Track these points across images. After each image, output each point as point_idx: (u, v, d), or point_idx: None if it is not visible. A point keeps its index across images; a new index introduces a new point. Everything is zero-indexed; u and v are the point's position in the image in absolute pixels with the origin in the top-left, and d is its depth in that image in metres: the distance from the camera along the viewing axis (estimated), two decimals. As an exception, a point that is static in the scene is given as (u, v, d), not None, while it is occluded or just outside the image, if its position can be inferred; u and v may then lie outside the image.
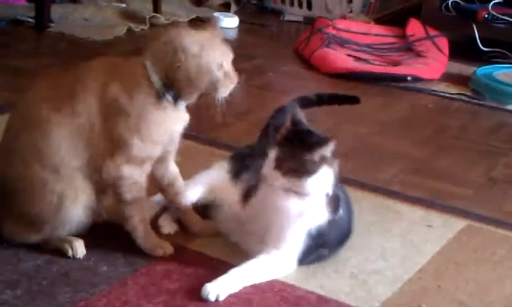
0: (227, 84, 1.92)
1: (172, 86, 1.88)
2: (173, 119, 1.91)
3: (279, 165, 1.84)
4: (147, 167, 1.91)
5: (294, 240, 1.89)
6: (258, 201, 1.94)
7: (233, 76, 1.94)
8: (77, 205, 1.87)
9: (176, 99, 1.89)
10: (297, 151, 1.83)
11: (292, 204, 1.87)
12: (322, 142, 1.83)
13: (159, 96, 1.87)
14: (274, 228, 1.89)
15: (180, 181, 2.04)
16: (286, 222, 1.88)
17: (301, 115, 1.90)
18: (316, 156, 1.82)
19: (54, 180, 1.84)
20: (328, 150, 1.83)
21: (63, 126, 1.84)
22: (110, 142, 1.85)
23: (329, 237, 1.94)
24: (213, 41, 1.92)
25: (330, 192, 1.90)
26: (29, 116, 1.88)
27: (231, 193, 2.03)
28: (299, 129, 1.88)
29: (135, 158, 1.87)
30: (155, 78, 1.87)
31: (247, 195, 1.98)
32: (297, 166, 1.83)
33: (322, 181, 1.86)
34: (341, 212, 1.94)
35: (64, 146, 1.84)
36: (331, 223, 1.91)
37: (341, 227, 1.97)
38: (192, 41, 1.87)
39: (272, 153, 1.85)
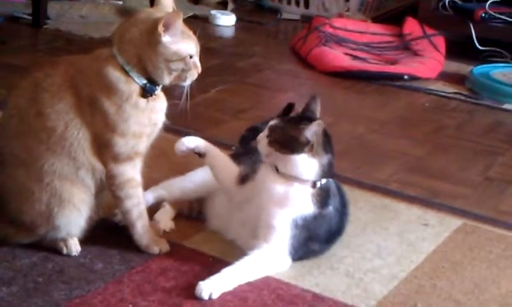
0: (194, 73, 1.90)
1: (145, 71, 1.84)
2: (152, 109, 1.88)
3: (270, 134, 1.91)
4: (138, 162, 1.89)
5: (281, 229, 1.89)
6: (252, 186, 1.96)
7: (199, 66, 1.90)
8: (66, 212, 1.86)
9: (151, 85, 1.85)
10: (286, 125, 1.90)
11: (277, 186, 1.90)
12: (307, 122, 1.88)
13: (135, 87, 1.83)
14: (262, 214, 1.90)
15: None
16: (272, 205, 1.89)
17: (315, 108, 1.97)
18: (301, 134, 1.86)
19: (39, 189, 1.84)
20: (311, 130, 1.86)
21: (40, 132, 1.82)
22: (93, 142, 1.84)
23: (317, 231, 1.94)
24: (187, 28, 1.89)
25: (317, 184, 1.91)
26: (11, 122, 1.87)
27: (227, 175, 2.03)
28: (302, 115, 1.95)
29: (121, 156, 1.86)
30: (129, 68, 1.83)
31: (243, 179, 2.00)
32: (282, 139, 1.89)
33: (304, 166, 1.88)
34: (330, 208, 1.95)
35: (44, 153, 1.83)
36: (318, 217, 1.92)
37: (330, 223, 1.97)
38: (176, 23, 1.82)
39: (271, 123, 1.92)
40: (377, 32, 4.23)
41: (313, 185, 1.91)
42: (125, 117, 1.83)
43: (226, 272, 1.83)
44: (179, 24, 1.82)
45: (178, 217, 2.12)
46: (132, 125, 1.84)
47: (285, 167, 1.90)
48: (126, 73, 1.83)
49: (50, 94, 1.83)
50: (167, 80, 1.87)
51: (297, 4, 4.89)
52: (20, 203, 1.86)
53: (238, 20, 4.60)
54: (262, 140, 1.92)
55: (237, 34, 4.45)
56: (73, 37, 3.94)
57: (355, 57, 3.90)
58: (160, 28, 1.80)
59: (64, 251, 1.90)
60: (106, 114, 1.82)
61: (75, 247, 1.91)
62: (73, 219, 1.87)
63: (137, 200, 1.91)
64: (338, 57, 3.81)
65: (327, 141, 1.92)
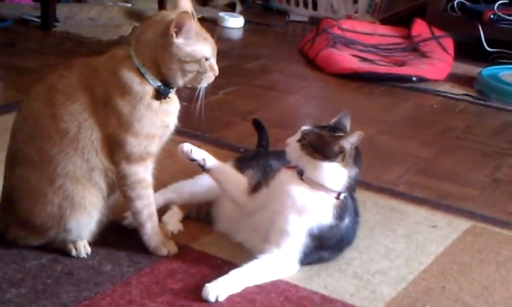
0: (210, 76, 1.89)
1: (160, 73, 1.85)
2: (164, 111, 1.88)
3: (303, 137, 1.90)
4: (149, 163, 1.90)
5: (295, 236, 1.89)
6: (267, 192, 1.95)
7: (216, 69, 1.90)
8: (78, 215, 1.86)
9: (165, 87, 1.86)
10: (322, 132, 1.90)
11: (299, 192, 1.88)
12: (342, 132, 1.91)
13: (149, 89, 1.84)
14: (278, 219, 1.89)
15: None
16: (290, 211, 1.88)
17: (347, 123, 1.98)
18: (337, 142, 1.86)
19: (51, 191, 1.84)
20: (350, 140, 1.86)
21: (54, 134, 1.83)
22: (106, 142, 1.85)
23: (329, 242, 1.94)
24: (203, 30, 1.89)
25: (341, 196, 1.90)
26: (25, 125, 1.88)
27: (237, 187, 2.03)
28: (335, 126, 1.96)
29: (133, 156, 1.86)
30: (144, 70, 1.84)
31: (255, 188, 1.99)
32: (316, 144, 1.88)
33: (333, 175, 1.87)
34: (346, 221, 1.95)
35: (57, 155, 1.83)
36: (334, 228, 1.92)
37: (344, 235, 1.97)
38: (190, 25, 1.83)
39: (303, 128, 1.92)
40: (385, 34, 4.23)
41: (338, 196, 1.91)
42: (139, 117, 1.84)
43: (233, 274, 1.83)
44: (191, 25, 1.82)
45: (186, 219, 2.13)
46: (145, 126, 1.85)
47: (313, 173, 1.88)
48: (141, 74, 1.84)
49: (64, 95, 1.84)
50: (181, 82, 1.87)
51: (306, 6, 4.89)
52: (31, 205, 1.87)
53: (246, 22, 4.60)
54: (293, 143, 1.92)
55: (245, 36, 4.46)
56: (81, 39, 3.95)
57: (363, 59, 3.90)
58: (172, 29, 1.81)
59: (74, 252, 1.91)
60: (120, 114, 1.83)
61: (84, 249, 1.92)
62: (84, 222, 1.88)
63: (147, 201, 1.91)
64: (347, 59, 3.81)
65: (357, 155, 1.92)
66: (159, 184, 2.09)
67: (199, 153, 2.01)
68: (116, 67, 1.85)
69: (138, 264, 1.91)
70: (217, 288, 1.78)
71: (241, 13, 4.78)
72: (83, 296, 1.76)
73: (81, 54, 3.69)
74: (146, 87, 1.84)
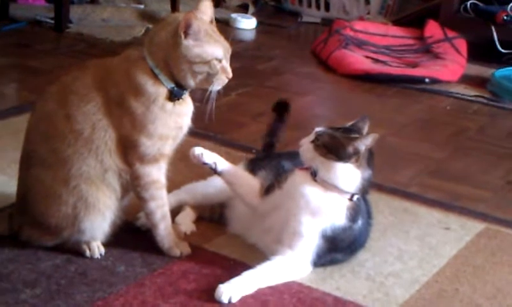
0: (223, 78, 1.89)
1: (172, 74, 1.85)
2: (178, 113, 1.88)
3: (317, 138, 1.90)
4: (163, 164, 1.90)
5: (309, 237, 1.89)
6: (280, 193, 1.95)
7: (229, 71, 1.90)
8: (92, 216, 1.87)
9: (178, 89, 1.86)
10: (337, 133, 1.90)
11: (313, 193, 1.88)
12: (356, 134, 1.90)
13: (162, 90, 1.85)
14: (291, 220, 1.89)
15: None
16: (303, 212, 1.88)
17: (363, 127, 1.96)
18: (351, 143, 1.86)
19: (65, 192, 1.85)
20: (365, 142, 1.86)
21: (68, 135, 1.84)
22: (120, 143, 1.86)
23: (343, 243, 1.94)
24: (217, 33, 1.89)
25: (354, 197, 1.90)
26: (39, 126, 1.89)
27: (249, 190, 2.03)
28: (350, 128, 1.95)
29: (147, 157, 1.87)
30: (157, 71, 1.84)
31: (268, 189, 1.99)
32: (331, 144, 1.88)
33: (347, 176, 1.87)
34: (359, 223, 1.95)
35: (71, 156, 1.84)
36: (347, 230, 1.92)
37: (356, 238, 1.97)
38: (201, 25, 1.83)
39: (317, 129, 1.91)
40: (398, 35, 4.22)
41: (351, 197, 1.91)
42: (152, 118, 1.84)
43: (246, 275, 1.84)
44: (199, 26, 1.82)
45: (199, 220, 2.13)
46: (158, 127, 1.85)
47: (327, 174, 1.88)
48: (154, 75, 1.85)
49: (78, 96, 1.85)
50: (192, 83, 1.87)
51: (318, 7, 4.88)
52: (46, 205, 1.88)
53: (258, 23, 4.60)
54: (306, 144, 1.92)
55: (258, 38, 4.46)
56: (94, 40, 3.96)
57: (376, 60, 3.89)
58: (181, 30, 1.81)
59: (87, 253, 1.92)
60: (134, 115, 1.84)
61: (98, 249, 1.93)
62: (97, 223, 1.89)
63: (161, 202, 1.92)
64: (359, 60, 3.80)
65: (370, 157, 1.92)
66: (172, 185, 2.09)
67: (210, 157, 2.01)
68: (130, 68, 1.85)
69: (152, 265, 1.91)
70: (231, 289, 1.79)
71: (253, 14, 4.78)
72: (97, 296, 1.77)
73: (94, 55, 3.70)
74: (159, 89, 1.85)
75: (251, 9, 4.89)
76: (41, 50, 3.76)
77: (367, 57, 3.91)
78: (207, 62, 1.85)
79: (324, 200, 1.89)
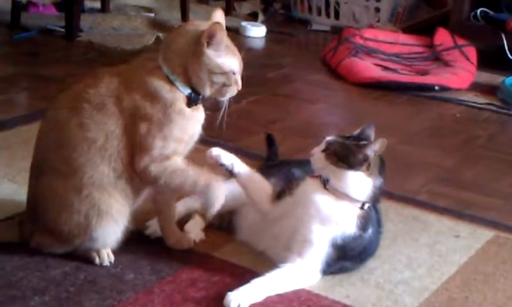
0: (234, 89, 1.91)
1: (189, 81, 1.86)
2: (193, 118, 1.89)
3: (327, 147, 1.90)
4: (177, 159, 1.88)
5: (318, 245, 1.89)
6: (290, 200, 1.95)
7: (240, 83, 1.92)
8: (105, 223, 1.87)
9: (195, 95, 1.88)
10: (346, 141, 1.91)
11: (324, 201, 1.88)
12: (366, 141, 1.91)
13: (179, 95, 1.86)
14: (301, 227, 1.89)
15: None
16: (314, 220, 1.88)
17: (370, 134, 1.97)
18: (361, 150, 1.87)
19: (77, 200, 1.85)
20: (373, 148, 1.87)
21: (81, 143, 1.84)
22: (134, 149, 1.86)
23: (353, 252, 1.94)
24: (233, 45, 1.91)
25: (365, 206, 1.90)
26: (50, 134, 1.90)
27: (262, 194, 2.03)
28: (359, 136, 1.96)
29: (160, 157, 1.86)
30: (173, 77, 1.85)
31: (279, 195, 1.99)
32: (341, 153, 1.88)
33: (358, 184, 1.88)
34: (370, 232, 1.94)
35: (85, 163, 1.84)
36: (358, 239, 1.92)
37: (366, 246, 1.97)
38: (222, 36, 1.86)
39: (328, 138, 1.92)
40: (407, 43, 4.22)
41: (362, 206, 1.91)
42: (169, 122, 1.85)
43: (255, 283, 1.83)
44: (222, 37, 1.85)
45: (208, 228, 2.13)
46: (174, 130, 1.86)
47: (338, 183, 1.89)
48: (170, 82, 1.86)
49: (91, 105, 1.85)
50: (208, 91, 1.89)
51: (328, 15, 4.89)
52: (58, 213, 1.88)
53: (268, 31, 4.61)
54: (317, 153, 1.92)
55: (268, 46, 4.47)
56: (105, 49, 3.98)
57: (385, 68, 3.89)
58: (204, 38, 1.83)
59: (97, 260, 1.92)
60: (150, 121, 1.84)
61: (107, 257, 1.93)
62: (111, 230, 1.89)
63: (187, 177, 1.88)
64: (369, 68, 3.80)
65: (381, 165, 1.92)
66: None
67: (228, 158, 2.01)
68: (145, 75, 1.86)
69: (160, 272, 1.91)
70: (239, 297, 1.78)
71: (263, 22, 4.79)
72: (106, 304, 1.77)
73: (105, 63, 3.71)
74: (176, 94, 1.86)
75: (261, 17, 4.91)
76: (52, 59, 3.78)
77: (377, 65, 3.91)
78: (225, 74, 1.87)
79: (335, 208, 1.89)
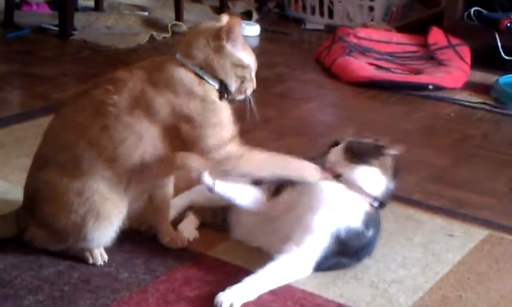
0: (251, 86, 1.96)
1: (216, 76, 1.89)
2: (227, 109, 1.92)
3: (347, 151, 1.96)
4: (233, 144, 1.90)
5: (319, 235, 1.89)
6: (292, 191, 1.97)
7: (255, 82, 1.97)
8: (101, 227, 1.87)
9: (225, 90, 1.91)
10: (365, 140, 2.01)
11: (334, 188, 1.92)
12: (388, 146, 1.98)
13: (209, 87, 1.88)
14: (306, 214, 1.90)
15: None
16: (322, 206, 1.90)
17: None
18: (377, 148, 1.95)
19: (77, 201, 1.85)
20: (387, 149, 1.96)
21: (100, 146, 1.83)
22: (182, 147, 1.86)
23: (352, 249, 1.95)
24: (247, 45, 1.96)
25: (375, 204, 1.94)
26: (64, 134, 1.89)
27: (252, 200, 2.03)
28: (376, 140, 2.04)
29: (218, 143, 1.87)
30: (201, 72, 1.87)
31: (276, 191, 2.00)
32: (358, 148, 1.96)
33: (373, 180, 1.93)
34: (371, 231, 1.96)
35: (93, 167, 1.84)
36: (360, 236, 1.93)
37: (366, 245, 1.98)
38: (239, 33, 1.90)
39: (345, 144, 1.98)
40: (401, 42, 4.22)
41: (372, 202, 1.93)
42: (209, 111, 1.86)
43: (247, 281, 1.83)
44: (239, 33, 1.89)
45: (202, 227, 2.13)
46: (216, 116, 1.87)
47: (352, 176, 1.93)
48: (198, 77, 1.87)
49: (116, 109, 1.83)
50: (234, 85, 1.92)
51: (322, 14, 4.89)
52: (56, 209, 1.87)
53: (262, 30, 4.61)
54: (336, 149, 1.98)
55: (261, 44, 4.47)
56: (99, 48, 3.97)
57: (379, 67, 3.89)
58: (223, 33, 1.87)
59: (90, 260, 1.92)
60: (189, 117, 1.85)
61: (101, 256, 1.93)
62: (105, 232, 1.89)
63: (251, 158, 1.95)
64: (363, 67, 3.80)
65: (396, 171, 1.99)
66: (178, 191, 2.10)
67: (209, 179, 1.96)
68: (173, 75, 1.86)
69: (155, 272, 1.91)
70: (231, 297, 1.78)
71: (257, 21, 4.79)
72: (100, 303, 1.77)
73: (99, 62, 3.72)
74: (206, 86, 1.88)
75: (255, 16, 4.91)
76: (45, 58, 3.77)
77: (371, 64, 3.91)
78: (246, 67, 1.91)
79: (345, 197, 1.91)
